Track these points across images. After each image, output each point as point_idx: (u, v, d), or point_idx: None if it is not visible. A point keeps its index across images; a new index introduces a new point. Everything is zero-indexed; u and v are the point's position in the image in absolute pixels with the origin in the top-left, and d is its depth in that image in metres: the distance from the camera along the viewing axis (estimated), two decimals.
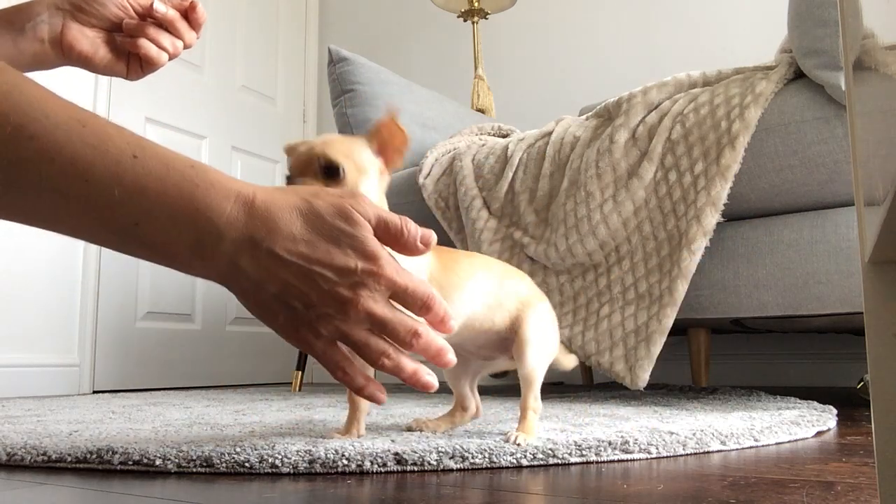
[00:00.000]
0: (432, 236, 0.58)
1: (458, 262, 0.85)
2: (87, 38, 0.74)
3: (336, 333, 0.54)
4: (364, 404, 0.86)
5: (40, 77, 0.57)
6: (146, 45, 0.75)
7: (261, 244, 0.51)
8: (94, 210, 0.48)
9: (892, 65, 0.26)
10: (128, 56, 0.77)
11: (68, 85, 2.21)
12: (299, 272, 0.52)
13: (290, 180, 0.74)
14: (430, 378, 0.57)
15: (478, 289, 0.85)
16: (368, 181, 0.76)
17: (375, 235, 0.54)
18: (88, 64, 0.75)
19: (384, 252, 0.54)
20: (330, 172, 0.72)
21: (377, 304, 0.54)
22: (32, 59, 0.72)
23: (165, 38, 0.76)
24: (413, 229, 0.57)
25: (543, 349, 0.88)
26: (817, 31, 1.23)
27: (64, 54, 0.74)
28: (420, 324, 0.56)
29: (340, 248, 0.52)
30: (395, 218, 0.56)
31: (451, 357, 0.58)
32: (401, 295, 0.55)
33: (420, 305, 0.56)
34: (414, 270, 0.67)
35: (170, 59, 0.77)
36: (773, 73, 1.31)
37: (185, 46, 0.78)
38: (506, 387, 2.16)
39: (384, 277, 0.53)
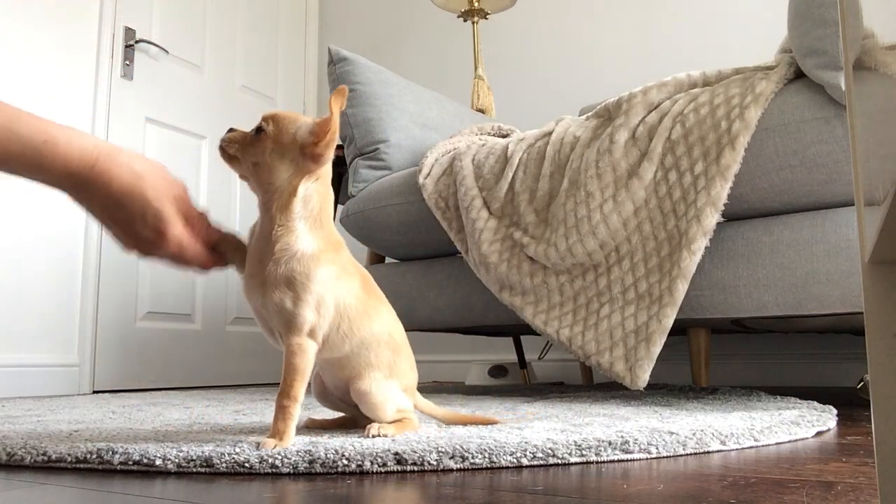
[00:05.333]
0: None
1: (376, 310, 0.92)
2: None
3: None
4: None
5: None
6: None
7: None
8: None
9: (892, 65, 0.26)
10: None
11: (69, 86, 2.21)
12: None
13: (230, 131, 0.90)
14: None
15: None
16: (283, 154, 0.87)
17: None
18: None
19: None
20: (258, 130, 0.87)
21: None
22: None
23: None
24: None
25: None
26: (817, 31, 1.23)
27: None
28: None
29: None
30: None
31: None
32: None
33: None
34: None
35: None
36: (773, 73, 1.31)
37: None
38: (506, 387, 2.16)
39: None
